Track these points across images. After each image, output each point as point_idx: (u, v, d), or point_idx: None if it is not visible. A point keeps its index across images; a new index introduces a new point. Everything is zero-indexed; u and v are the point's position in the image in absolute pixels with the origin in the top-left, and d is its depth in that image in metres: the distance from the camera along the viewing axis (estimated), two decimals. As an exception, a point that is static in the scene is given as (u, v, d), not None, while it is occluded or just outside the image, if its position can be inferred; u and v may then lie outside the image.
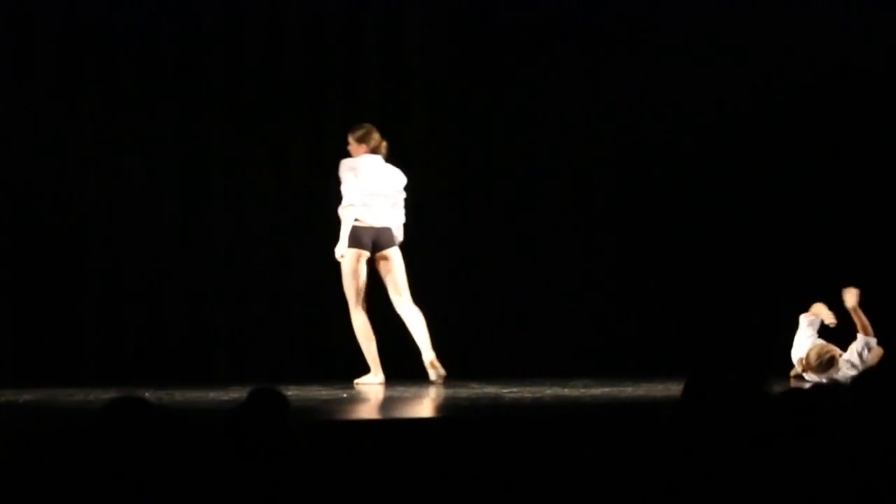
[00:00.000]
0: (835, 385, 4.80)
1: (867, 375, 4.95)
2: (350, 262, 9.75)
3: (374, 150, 9.88)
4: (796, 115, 11.29)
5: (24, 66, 10.74)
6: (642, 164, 11.29)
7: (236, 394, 8.66)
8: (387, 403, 8.80)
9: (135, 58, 10.85)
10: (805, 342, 9.76)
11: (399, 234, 9.90)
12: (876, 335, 9.73)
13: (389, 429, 7.19)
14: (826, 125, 11.29)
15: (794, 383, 9.53)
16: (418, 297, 9.93)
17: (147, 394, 8.78)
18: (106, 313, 10.86)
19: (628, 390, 9.13)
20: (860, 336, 9.72)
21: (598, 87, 11.21)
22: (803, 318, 9.89)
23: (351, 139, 9.91)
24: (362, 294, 9.77)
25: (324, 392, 9.25)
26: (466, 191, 11.21)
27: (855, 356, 9.62)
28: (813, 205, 11.24)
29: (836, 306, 9.85)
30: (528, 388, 9.36)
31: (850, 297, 9.72)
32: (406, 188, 9.94)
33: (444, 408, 8.51)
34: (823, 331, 9.85)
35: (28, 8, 10.74)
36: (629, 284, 11.29)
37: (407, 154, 10.34)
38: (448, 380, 9.73)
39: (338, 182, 9.82)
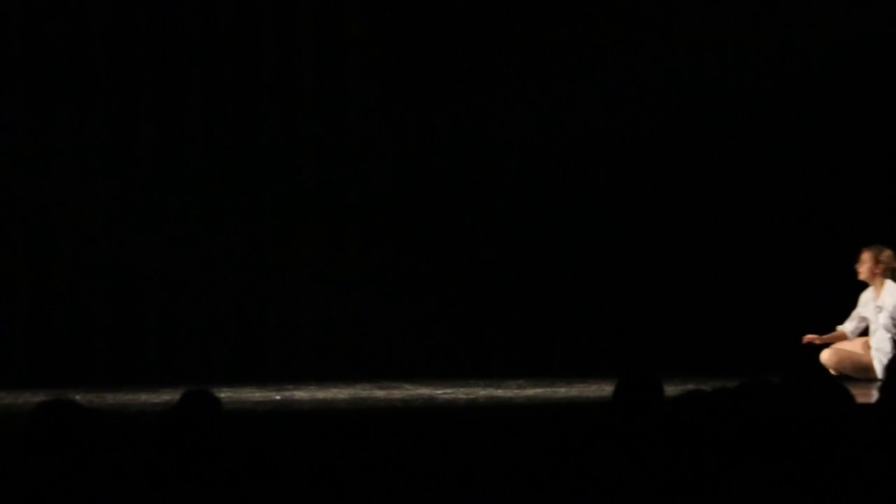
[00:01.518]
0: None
1: None
2: None
3: None
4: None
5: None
6: (569, 166, 11.30)
7: (168, 396, 8.61)
8: (323, 406, 8.79)
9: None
10: (884, 341, 9.74)
11: None
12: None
13: (326, 429, 7.19)
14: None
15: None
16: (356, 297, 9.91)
17: (78, 396, 8.71)
18: (35, 314, 10.77)
19: (561, 391, 9.17)
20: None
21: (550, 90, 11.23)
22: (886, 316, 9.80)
23: None
24: None
25: (257, 394, 9.22)
26: (401, 192, 11.20)
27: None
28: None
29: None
30: (461, 390, 9.38)
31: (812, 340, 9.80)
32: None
33: (379, 409, 8.50)
34: None
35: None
36: (560, 286, 11.30)
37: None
38: (382, 381, 9.73)
39: None
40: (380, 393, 9.29)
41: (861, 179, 11.12)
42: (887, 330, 9.68)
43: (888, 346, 9.63)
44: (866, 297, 9.80)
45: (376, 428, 7.37)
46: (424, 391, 9.36)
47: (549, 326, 11.20)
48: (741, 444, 4.58)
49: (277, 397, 9.08)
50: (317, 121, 11.03)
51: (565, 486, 4.51)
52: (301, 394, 9.33)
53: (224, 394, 8.98)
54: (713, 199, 11.25)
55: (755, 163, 11.19)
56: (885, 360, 9.35)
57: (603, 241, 11.32)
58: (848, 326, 9.83)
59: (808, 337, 9.73)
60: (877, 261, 9.69)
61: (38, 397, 7.65)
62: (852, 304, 9.90)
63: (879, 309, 9.74)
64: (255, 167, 11.01)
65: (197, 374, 10.51)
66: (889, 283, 9.70)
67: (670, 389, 4.91)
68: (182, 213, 10.92)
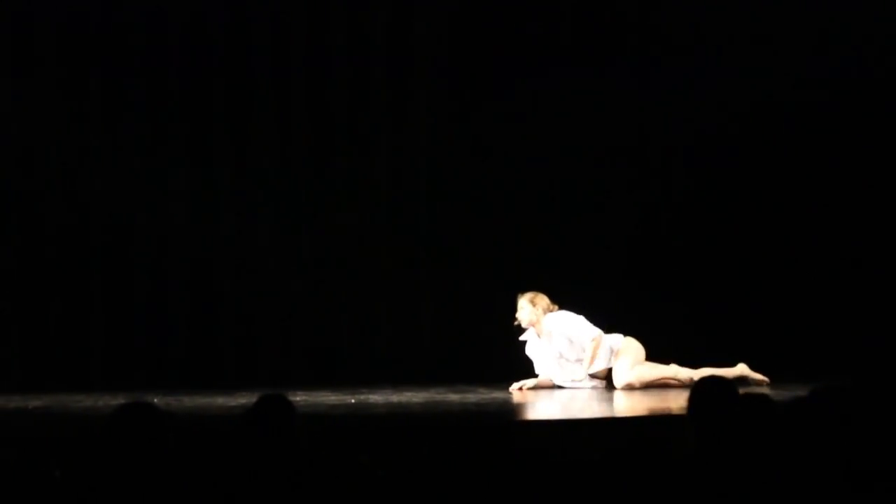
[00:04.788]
0: None
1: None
2: None
3: None
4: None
5: (26, 68, 10.78)
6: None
7: (244, 399, 8.68)
8: (397, 409, 8.82)
9: (141, 64, 10.89)
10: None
11: None
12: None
13: (401, 432, 7.23)
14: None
15: None
16: (429, 302, 9.91)
17: (155, 399, 8.80)
18: (114, 319, 10.89)
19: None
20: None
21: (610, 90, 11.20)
22: None
23: None
24: None
25: (332, 397, 9.27)
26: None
27: None
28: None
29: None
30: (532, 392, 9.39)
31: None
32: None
33: (453, 413, 8.53)
34: None
35: (32, 16, 10.79)
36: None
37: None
38: (456, 384, 9.74)
39: None
40: (454, 396, 9.31)
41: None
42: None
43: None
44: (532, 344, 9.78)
45: (449, 431, 7.39)
46: (499, 395, 9.37)
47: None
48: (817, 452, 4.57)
49: (352, 401, 9.11)
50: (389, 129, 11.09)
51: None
52: (376, 397, 9.36)
53: (299, 397, 9.05)
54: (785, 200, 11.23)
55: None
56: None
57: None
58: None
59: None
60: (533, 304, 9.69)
61: (117, 400, 7.75)
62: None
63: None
64: (328, 177, 11.07)
65: (273, 378, 10.60)
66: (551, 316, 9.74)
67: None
68: (258, 220, 11.00)
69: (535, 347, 9.81)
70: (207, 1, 10.95)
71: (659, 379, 9.61)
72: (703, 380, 5.10)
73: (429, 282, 11.08)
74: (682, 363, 9.70)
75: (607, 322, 9.90)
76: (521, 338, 9.78)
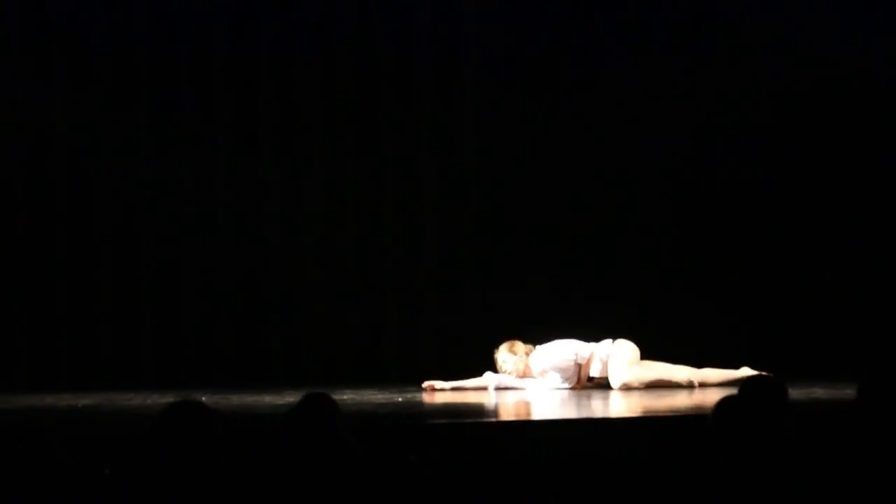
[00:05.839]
0: None
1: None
2: None
3: None
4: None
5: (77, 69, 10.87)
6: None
7: (292, 398, 8.71)
8: (443, 408, 8.84)
9: (189, 55, 10.95)
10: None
11: None
12: None
13: (446, 431, 7.24)
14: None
15: None
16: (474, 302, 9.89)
17: (203, 398, 8.85)
18: (162, 319, 10.95)
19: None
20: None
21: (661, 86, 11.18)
22: None
23: None
24: None
25: (379, 396, 9.29)
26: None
27: None
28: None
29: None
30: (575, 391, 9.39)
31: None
32: None
33: (496, 411, 8.53)
34: None
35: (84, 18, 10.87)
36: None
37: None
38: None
39: None
40: (499, 395, 9.32)
41: None
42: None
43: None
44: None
45: (491, 430, 7.41)
46: (542, 393, 9.37)
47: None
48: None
49: (399, 399, 9.13)
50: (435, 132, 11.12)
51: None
52: (423, 396, 9.38)
53: (346, 395, 9.08)
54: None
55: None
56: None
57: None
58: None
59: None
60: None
61: (166, 398, 7.80)
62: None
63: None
64: (376, 176, 11.09)
65: (321, 377, 10.63)
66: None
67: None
68: (304, 218, 11.03)
69: (518, 382, 9.72)
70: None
71: (657, 379, 9.55)
72: (751, 379, 5.10)
73: (476, 281, 11.07)
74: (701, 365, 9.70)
75: (614, 321, 9.93)
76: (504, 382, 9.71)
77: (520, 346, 9.68)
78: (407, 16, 11.10)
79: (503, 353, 9.66)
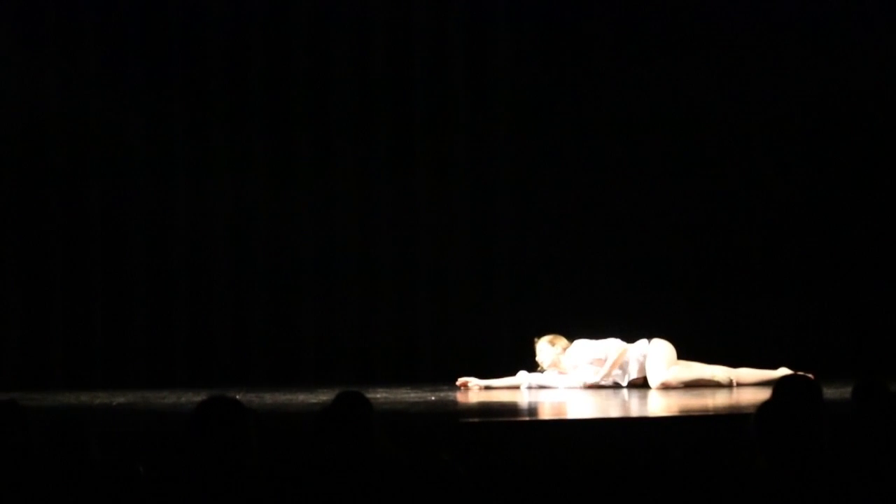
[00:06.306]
0: None
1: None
2: None
3: None
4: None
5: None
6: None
7: (325, 396, 8.72)
8: (477, 407, 8.83)
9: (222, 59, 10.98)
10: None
11: None
12: None
13: (479, 429, 7.23)
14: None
15: None
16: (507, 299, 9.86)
17: (238, 396, 8.87)
18: (197, 318, 10.98)
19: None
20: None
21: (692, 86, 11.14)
22: None
23: None
24: None
25: (412, 395, 9.29)
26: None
27: None
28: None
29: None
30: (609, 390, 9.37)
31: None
32: None
33: (530, 410, 8.52)
34: None
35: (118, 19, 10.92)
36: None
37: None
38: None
39: None
40: (532, 394, 9.31)
41: None
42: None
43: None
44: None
45: (525, 429, 7.40)
46: (577, 392, 9.36)
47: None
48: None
49: (432, 398, 9.13)
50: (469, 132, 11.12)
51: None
52: (456, 394, 9.39)
53: (380, 394, 9.09)
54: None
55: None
56: None
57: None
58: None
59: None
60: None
61: (200, 397, 7.81)
62: None
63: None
64: (409, 174, 11.10)
65: (354, 376, 10.64)
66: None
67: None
68: (338, 217, 11.05)
69: (551, 381, 9.72)
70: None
71: (696, 379, 9.52)
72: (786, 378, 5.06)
73: (510, 280, 11.06)
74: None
75: (649, 320, 9.90)
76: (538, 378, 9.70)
77: (562, 340, 9.67)
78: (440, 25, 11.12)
79: (543, 344, 9.66)
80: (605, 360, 9.57)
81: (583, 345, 9.66)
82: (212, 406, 4.70)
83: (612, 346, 9.62)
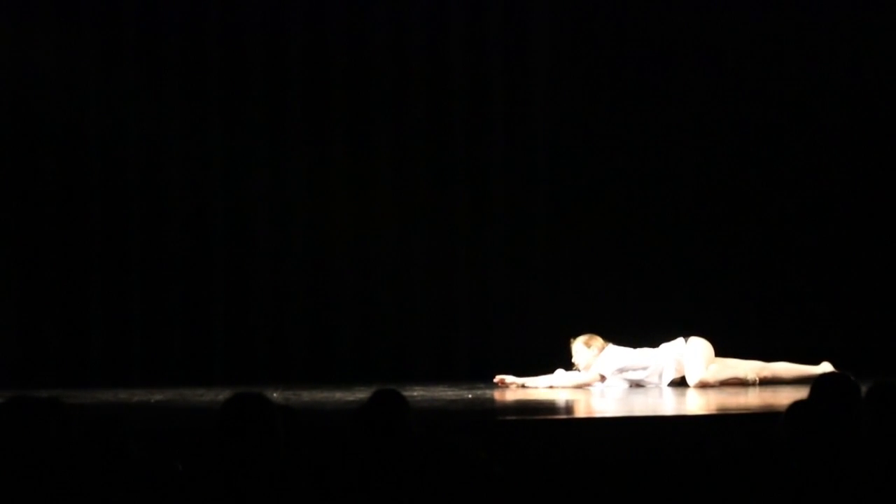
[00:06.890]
0: None
1: None
2: None
3: None
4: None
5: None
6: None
7: (362, 394, 8.74)
8: (513, 405, 8.83)
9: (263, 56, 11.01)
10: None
11: None
12: None
13: (516, 427, 7.23)
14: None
15: None
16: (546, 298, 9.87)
17: (275, 394, 8.91)
18: (235, 315, 11.01)
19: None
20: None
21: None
22: None
23: None
24: None
25: (449, 392, 9.30)
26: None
27: None
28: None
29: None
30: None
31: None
32: None
33: (566, 408, 8.51)
34: None
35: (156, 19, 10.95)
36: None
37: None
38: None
39: None
40: (570, 392, 9.30)
41: None
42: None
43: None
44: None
45: (563, 427, 7.39)
46: (615, 390, 9.34)
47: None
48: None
49: (469, 396, 9.14)
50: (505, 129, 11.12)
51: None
52: (492, 392, 9.38)
53: (416, 392, 9.09)
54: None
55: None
56: None
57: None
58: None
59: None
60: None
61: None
62: None
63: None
64: (447, 170, 11.10)
65: (391, 373, 10.65)
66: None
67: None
68: (375, 214, 11.06)
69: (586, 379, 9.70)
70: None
71: (734, 377, 9.48)
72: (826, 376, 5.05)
73: (548, 278, 11.06)
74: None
75: (685, 318, 9.87)
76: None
77: (597, 341, 9.64)
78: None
79: (578, 344, 9.64)
80: (638, 374, 9.55)
81: (613, 353, 9.62)
82: (238, 403, 4.72)
83: (642, 358, 9.59)
